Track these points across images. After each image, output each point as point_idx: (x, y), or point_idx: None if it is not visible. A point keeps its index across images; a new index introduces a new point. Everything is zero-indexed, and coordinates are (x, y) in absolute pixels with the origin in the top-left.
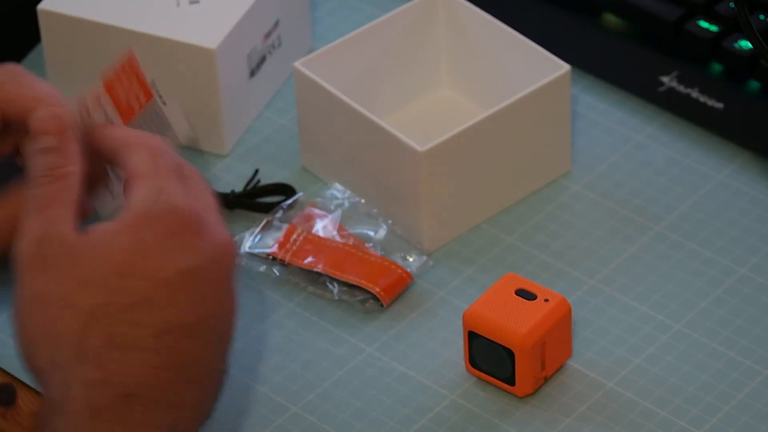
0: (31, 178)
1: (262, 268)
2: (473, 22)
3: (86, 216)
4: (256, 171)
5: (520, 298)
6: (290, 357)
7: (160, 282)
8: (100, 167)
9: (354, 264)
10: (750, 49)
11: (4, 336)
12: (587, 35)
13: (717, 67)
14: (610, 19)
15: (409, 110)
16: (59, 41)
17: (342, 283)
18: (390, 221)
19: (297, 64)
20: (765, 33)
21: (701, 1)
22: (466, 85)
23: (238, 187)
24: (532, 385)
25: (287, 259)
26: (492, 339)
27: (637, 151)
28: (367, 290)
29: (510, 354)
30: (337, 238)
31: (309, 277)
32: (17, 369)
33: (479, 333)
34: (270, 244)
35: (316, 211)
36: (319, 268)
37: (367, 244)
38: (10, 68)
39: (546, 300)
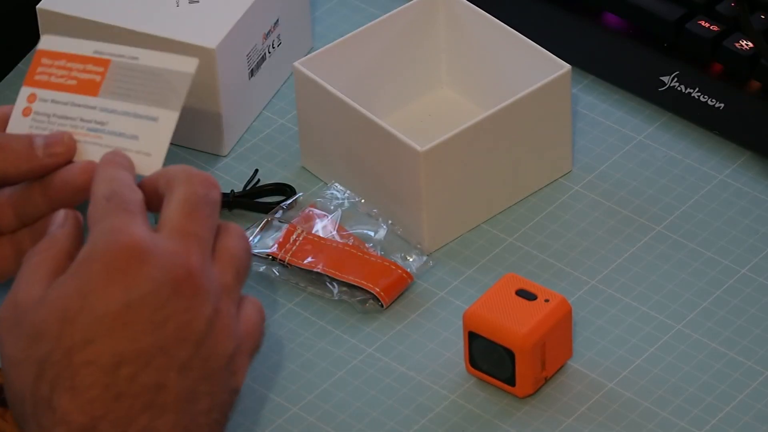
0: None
1: (262, 268)
2: (473, 22)
3: None
4: (256, 171)
5: (521, 299)
6: (290, 357)
7: (107, 317)
8: None
9: (354, 264)
10: (751, 49)
11: None
12: (587, 35)
13: (717, 67)
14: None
15: (409, 110)
16: None
17: (342, 283)
18: (390, 221)
19: (297, 64)
20: (765, 33)
21: (702, 0)
22: (466, 85)
23: (238, 187)
24: (533, 385)
25: (287, 259)
26: (492, 339)
27: (638, 151)
28: (367, 290)
29: (510, 354)
30: (337, 238)
31: (309, 277)
32: None
33: (479, 333)
34: (270, 244)
35: (316, 211)
36: (319, 268)
37: (367, 244)
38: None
39: (546, 300)
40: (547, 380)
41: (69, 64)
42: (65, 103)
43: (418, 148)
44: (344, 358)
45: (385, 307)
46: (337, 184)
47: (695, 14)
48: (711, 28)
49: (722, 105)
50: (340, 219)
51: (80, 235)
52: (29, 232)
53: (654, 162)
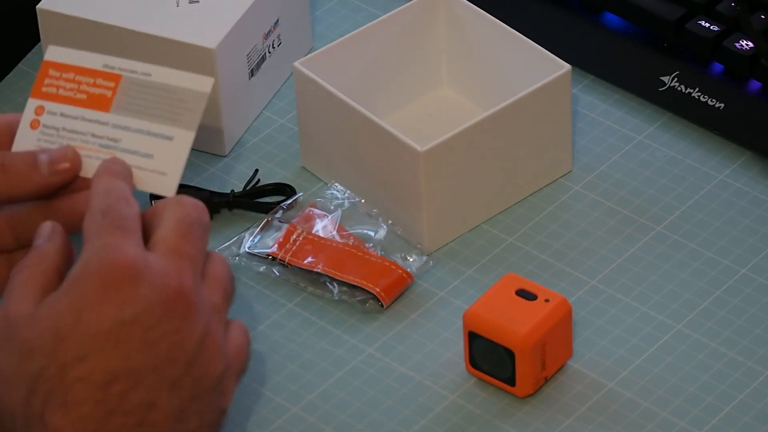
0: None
1: (262, 268)
2: (473, 22)
3: None
4: (256, 171)
5: (521, 299)
6: (290, 357)
7: (100, 335)
8: None
9: (354, 264)
10: (751, 49)
11: None
12: (587, 35)
13: (717, 67)
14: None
15: (409, 110)
16: (59, 41)
17: (342, 283)
18: (390, 221)
19: (297, 64)
20: (765, 33)
21: (702, 0)
22: (466, 85)
23: (238, 187)
24: (533, 385)
25: (287, 259)
26: (492, 339)
27: (638, 151)
28: (367, 290)
29: (510, 354)
30: (337, 238)
31: (309, 277)
32: None
33: (479, 333)
34: (270, 244)
35: (316, 211)
36: (319, 268)
37: (367, 244)
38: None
39: (546, 300)
40: (547, 380)
41: (78, 77)
42: (75, 117)
43: (418, 148)
44: (344, 359)
45: (385, 307)
46: (337, 184)
47: (695, 14)
48: (711, 28)
49: (722, 105)
50: (340, 219)
51: (68, 248)
52: (26, 253)
53: (654, 162)
